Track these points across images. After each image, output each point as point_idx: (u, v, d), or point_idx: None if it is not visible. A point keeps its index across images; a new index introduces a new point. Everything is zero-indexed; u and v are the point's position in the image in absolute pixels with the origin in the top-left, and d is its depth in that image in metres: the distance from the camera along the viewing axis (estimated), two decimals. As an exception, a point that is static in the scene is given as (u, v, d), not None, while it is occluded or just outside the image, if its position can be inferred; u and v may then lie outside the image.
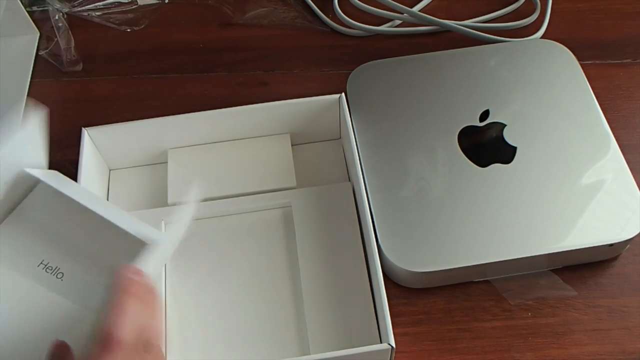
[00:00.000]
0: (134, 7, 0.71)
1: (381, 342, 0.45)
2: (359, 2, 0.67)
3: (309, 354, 0.46)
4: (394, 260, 0.49)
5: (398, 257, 0.49)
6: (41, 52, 0.68)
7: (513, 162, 0.54)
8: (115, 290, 0.37)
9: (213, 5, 0.71)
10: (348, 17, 0.67)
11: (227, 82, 0.65)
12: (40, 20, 0.69)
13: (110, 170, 0.58)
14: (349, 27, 0.68)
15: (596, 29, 0.68)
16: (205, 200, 0.54)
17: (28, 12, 0.67)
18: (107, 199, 0.57)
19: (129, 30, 0.70)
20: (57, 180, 0.46)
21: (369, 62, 0.61)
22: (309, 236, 0.52)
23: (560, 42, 0.62)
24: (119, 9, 0.71)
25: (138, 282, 0.38)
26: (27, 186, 0.46)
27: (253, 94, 0.64)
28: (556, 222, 0.51)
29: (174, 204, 0.55)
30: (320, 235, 0.52)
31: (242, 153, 0.57)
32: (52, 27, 0.67)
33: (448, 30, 0.67)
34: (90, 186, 0.52)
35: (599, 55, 0.65)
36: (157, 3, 0.71)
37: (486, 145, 0.55)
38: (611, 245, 0.50)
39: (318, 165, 0.58)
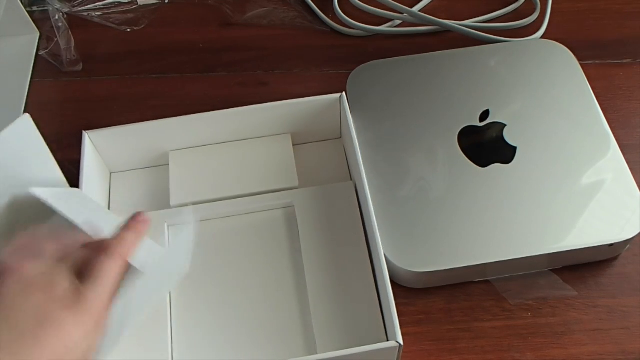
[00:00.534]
0: (134, 7, 0.71)
1: (388, 340, 0.45)
2: (359, 2, 0.67)
3: (316, 354, 0.46)
4: (394, 261, 0.49)
5: (398, 257, 0.50)
6: (41, 52, 0.68)
7: (513, 162, 0.54)
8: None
9: (213, 5, 0.71)
10: (348, 17, 0.67)
11: (227, 82, 0.65)
12: (40, 20, 0.69)
13: (111, 173, 0.58)
14: (349, 27, 0.68)
15: (596, 29, 0.68)
16: (208, 202, 0.54)
17: (28, 12, 0.67)
18: (109, 202, 0.57)
19: (128, 30, 0.70)
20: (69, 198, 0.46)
21: (369, 62, 0.61)
22: (313, 235, 0.52)
23: (560, 42, 0.62)
24: (119, 9, 0.71)
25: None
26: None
27: (253, 94, 0.64)
28: (556, 222, 0.51)
29: (176, 206, 0.55)
30: (324, 234, 0.52)
31: (243, 154, 0.57)
32: (52, 27, 0.67)
33: (448, 30, 0.67)
34: (91, 190, 0.52)
35: (599, 55, 0.65)
36: (157, 3, 0.71)
37: (486, 145, 0.55)
38: (611, 245, 0.50)
39: (319, 164, 0.58)
